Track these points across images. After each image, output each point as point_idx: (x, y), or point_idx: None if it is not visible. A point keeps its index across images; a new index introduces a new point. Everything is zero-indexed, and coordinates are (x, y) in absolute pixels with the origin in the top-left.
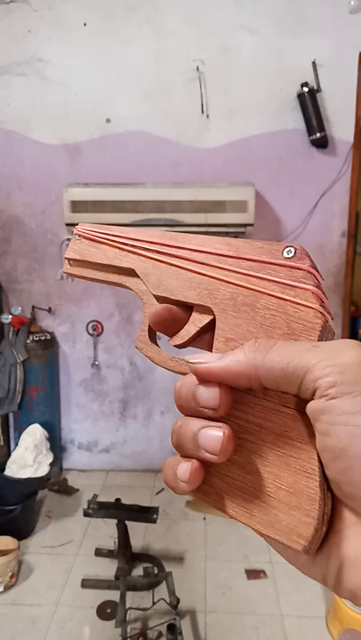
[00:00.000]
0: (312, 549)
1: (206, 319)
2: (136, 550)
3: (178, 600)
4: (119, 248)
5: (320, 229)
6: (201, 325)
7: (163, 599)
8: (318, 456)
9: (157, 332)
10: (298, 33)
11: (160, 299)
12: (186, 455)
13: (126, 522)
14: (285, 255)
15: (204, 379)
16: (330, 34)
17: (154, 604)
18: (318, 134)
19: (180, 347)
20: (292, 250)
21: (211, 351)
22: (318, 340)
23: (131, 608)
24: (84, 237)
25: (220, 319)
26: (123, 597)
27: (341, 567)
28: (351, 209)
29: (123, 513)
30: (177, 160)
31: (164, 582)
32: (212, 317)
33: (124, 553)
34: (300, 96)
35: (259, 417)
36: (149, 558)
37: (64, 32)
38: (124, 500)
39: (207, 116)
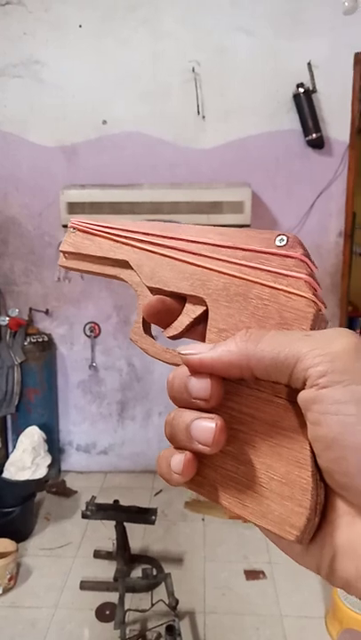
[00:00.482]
0: (305, 539)
1: (199, 310)
2: (135, 552)
3: (177, 601)
4: (113, 240)
5: (317, 229)
6: (194, 316)
7: (162, 600)
8: (310, 446)
9: (152, 325)
10: (294, 34)
11: (154, 290)
12: (179, 447)
13: (125, 523)
14: (278, 243)
15: (196, 370)
16: (325, 35)
17: (153, 605)
18: (314, 135)
19: (174, 338)
20: (285, 238)
21: (204, 342)
22: (311, 329)
23: (130, 610)
24: (79, 230)
25: (213, 310)
26: (121, 599)
27: (335, 557)
28: (348, 209)
29: (121, 514)
30: (174, 161)
31: (163, 583)
32: (205, 308)
33: (123, 554)
34: (296, 97)
35: (251, 407)
36: (148, 560)
37: (60, 34)
38: (123, 502)
39: (203, 117)
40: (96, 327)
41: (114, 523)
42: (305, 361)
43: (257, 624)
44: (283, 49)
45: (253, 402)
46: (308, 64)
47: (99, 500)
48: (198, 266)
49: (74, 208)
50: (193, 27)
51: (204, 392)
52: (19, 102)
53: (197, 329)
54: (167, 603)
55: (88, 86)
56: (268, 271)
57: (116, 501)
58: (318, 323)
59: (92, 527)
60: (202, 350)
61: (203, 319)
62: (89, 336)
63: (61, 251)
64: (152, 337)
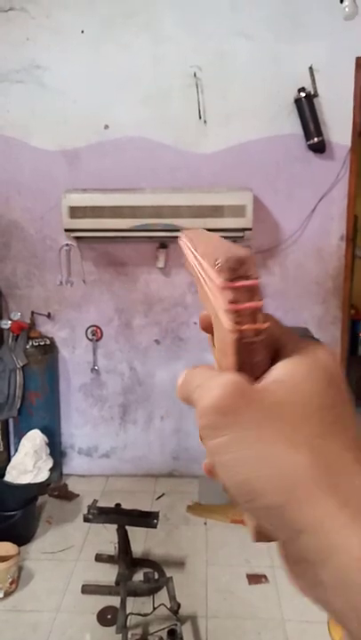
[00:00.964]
0: (260, 541)
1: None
2: (137, 555)
3: (178, 605)
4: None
5: (319, 233)
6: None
7: (163, 604)
8: None
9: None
10: (294, 38)
11: None
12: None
13: (126, 527)
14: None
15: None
16: (326, 39)
17: (154, 609)
18: (316, 139)
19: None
20: (218, 262)
21: None
22: (235, 357)
23: (131, 614)
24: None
25: (215, 329)
26: (123, 603)
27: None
28: (349, 212)
29: (123, 518)
30: (175, 165)
31: (165, 587)
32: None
33: (125, 558)
34: (298, 101)
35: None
36: (150, 563)
37: (62, 39)
38: (125, 506)
39: (205, 122)
40: (98, 330)
41: (115, 526)
42: (196, 413)
43: (259, 628)
44: (284, 53)
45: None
46: (310, 68)
47: (100, 504)
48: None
49: (75, 212)
50: (193, 31)
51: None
52: (21, 107)
53: None
54: (169, 607)
55: (90, 91)
56: (214, 294)
57: (117, 505)
58: (248, 347)
59: (93, 531)
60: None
61: None
62: (91, 339)
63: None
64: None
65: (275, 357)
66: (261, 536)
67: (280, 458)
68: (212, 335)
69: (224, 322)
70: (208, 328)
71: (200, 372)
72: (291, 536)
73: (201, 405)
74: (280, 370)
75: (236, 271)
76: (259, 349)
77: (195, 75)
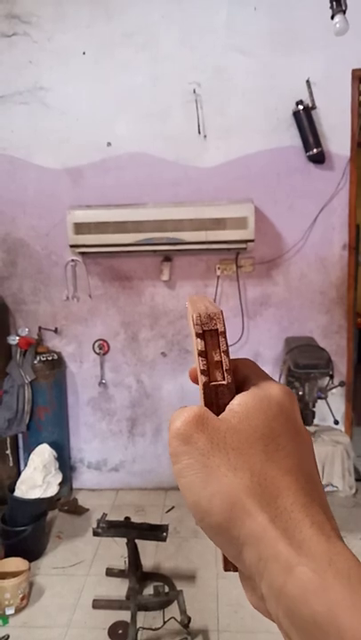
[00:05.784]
0: (228, 570)
1: None
2: (147, 569)
3: (189, 619)
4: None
5: (321, 243)
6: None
7: (174, 618)
8: None
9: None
10: (291, 52)
11: None
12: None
13: (136, 541)
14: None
15: None
16: (322, 52)
17: (164, 623)
18: (315, 150)
19: None
20: (195, 316)
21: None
22: (205, 401)
23: (142, 628)
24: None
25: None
26: (134, 617)
27: (244, 586)
28: (351, 222)
29: (132, 532)
30: (177, 180)
31: (176, 601)
32: None
33: (135, 572)
34: (296, 113)
35: None
36: (160, 577)
37: (64, 61)
38: (135, 519)
39: (205, 137)
40: (105, 344)
41: (125, 540)
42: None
43: None
44: (281, 67)
45: None
46: (307, 81)
47: (110, 518)
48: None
49: (80, 228)
50: (191, 49)
51: None
52: (25, 127)
53: None
54: (179, 620)
55: (91, 110)
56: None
57: (127, 518)
58: (215, 391)
59: (104, 545)
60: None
61: None
62: (98, 353)
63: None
64: None
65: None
66: (229, 565)
67: (221, 481)
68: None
69: (196, 366)
70: (196, 380)
71: (175, 412)
72: (237, 552)
73: (169, 435)
74: (237, 400)
75: (205, 325)
76: (225, 392)
77: (194, 91)
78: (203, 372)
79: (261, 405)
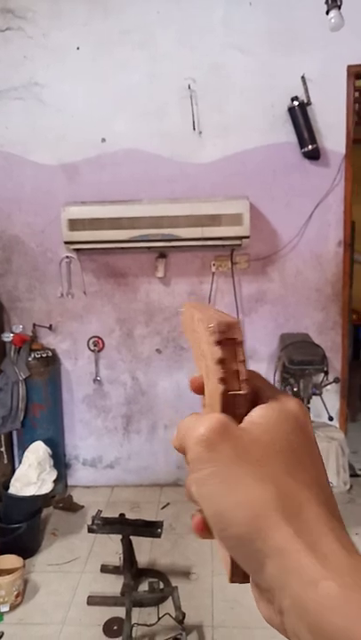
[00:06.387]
0: (236, 582)
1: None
2: (142, 566)
3: (183, 615)
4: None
5: (316, 239)
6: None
7: (168, 614)
8: None
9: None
10: (286, 49)
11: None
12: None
13: (131, 537)
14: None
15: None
16: (318, 49)
17: (159, 619)
18: (310, 146)
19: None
20: (210, 326)
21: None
22: (222, 410)
23: (137, 624)
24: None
25: (206, 386)
26: (128, 614)
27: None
28: (346, 218)
29: (127, 528)
30: (172, 176)
31: (171, 597)
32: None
33: (130, 569)
34: (291, 110)
35: None
36: (155, 573)
37: (59, 57)
38: (130, 516)
39: (200, 133)
40: (100, 341)
41: (120, 537)
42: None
43: (266, 638)
44: (276, 64)
45: None
46: (302, 77)
47: (106, 515)
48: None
49: (75, 225)
50: (188, 46)
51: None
52: (20, 124)
53: None
54: (174, 616)
55: (87, 106)
56: (209, 355)
57: (122, 515)
58: (233, 400)
59: (99, 542)
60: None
61: None
62: (93, 350)
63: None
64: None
65: (254, 405)
66: (236, 576)
67: (247, 491)
68: (203, 396)
69: (214, 374)
70: (199, 389)
71: (190, 418)
72: (258, 564)
73: (190, 441)
74: (257, 412)
75: (224, 333)
76: (242, 402)
77: (189, 87)
78: (221, 380)
79: (280, 419)
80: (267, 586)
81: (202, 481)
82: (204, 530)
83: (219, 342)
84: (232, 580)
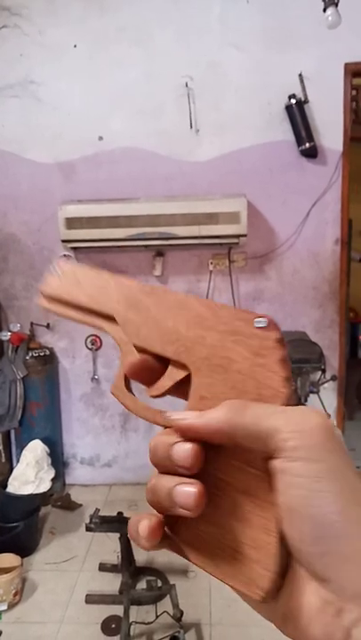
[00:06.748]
0: (269, 599)
1: (181, 374)
2: (140, 564)
3: (181, 613)
4: (101, 290)
5: (313, 237)
6: (176, 380)
7: (166, 612)
8: (278, 515)
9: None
10: (283, 47)
11: (138, 348)
12: (161, 511)
13: (129, 535)
14: (256, 325)
15: (184, 433)
16: (315, 46)
17: (157, 617)
18: (308, 144)
19: (156, 397)
20: (263, 320)
21: (184, 399)
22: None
23: (135, 622)
24: (64, 274)
25: (196, 377)
26: (126, 612)
27: (286, 615)
28: (343, 216)
29: (125, 526)
30: (169, 174)
31: (168, 595)
32: (187, 373)
33: (128, 567)
34: (288, 108)
35: (227, 475)
36: (154, 572)
37: (55, 54)
38: (128, 514)
39: (197, 131)
40: (97, 340)
41: (118, 535)
42: (282, 434)
43: (263, 635)
44: (274, 62)
45: (229, 470)
46: (300, 75)
47: (104, 513)
48: (183, 332)
49: (72, 223)
50: (184, 43)
51: (186, 461)
52: (16, 121)
53: (179, 388)
54: (172, 614)
55: (83, 104)
56: (249, 349)
57: (119, 513)
58: (290, 401)
59: (97, 540)
60: (189, 417)
61: (184, 381)
62: (90, 349)
63: (42, 292)
64: (132, 392)
65: None
66: (270, 593)
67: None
68: (146, 385)
69: (281, 375)
70: (139, 373)
71: (302, 407)
72: (334, 569)
73: (307, 425)
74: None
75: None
76: (293, 398)
77: (186, 85)
78: (287, 379)
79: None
80: (338, 595)
81: (315, 473)
82: (159, 535)
83: (280, 341)
84: (263, 600)
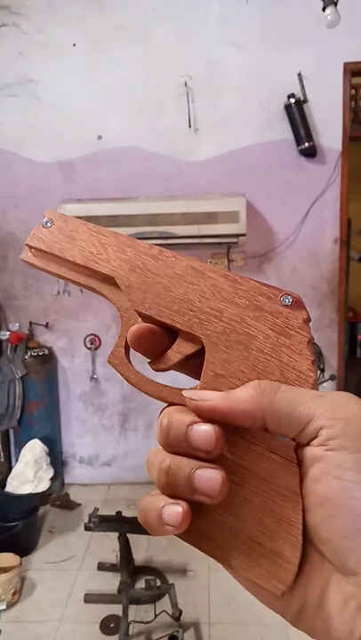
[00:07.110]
0: (288, 593)
1: (192, 348)
2: (139, 563)
3: (180, 612)
4: (99, 247)
5: (312, 237)
6: (186, 354)
7: (165, 611)
8: (302, 504)
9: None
10: (283, 46)
11: (143, 316)
12: (175, 496)
13: (128, 535)
14: (283, 302)
15: (207, 416)
16: (314, 46)
17: (156, 616)
18: (307, 144)
19: (160, 371)
20: (290, 298)
21: (187, 374)
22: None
23: (133, 621)
24: (56, 225)
25: (211, 352)
26: (125, 611)
27: (303, 608)
28: (342, 216)
29: (124, 526)
30: (169, 174)
31: (167, 594)
32: (198, 347)
33: (127, 566)
34: (288, 107)
35: (246, 460)
36: (152, 571)
37: (54, 53)
38: (127, 514)
39: (196, 130)
40: (96, 339)
41: (117, 534)
42: (319, 421)
43: (262, 634)
44: (273, 61)
45: (249, 455)
46: (299, 75)
47: (103, 512)
48: (197, 303)
49: None
50: (183, 42)
51: (207, 444)
52: (15, 120)
53: (185, 363)
54: (171, 614)
55: (83, 103)
56: (273, 326)
57: (118, 513)
58: (315, 387)
59: (96, 540)
60: (213, 397)
61: (193, 355)
62: (89, 348)
63: (28, 245)
64: (132, 364)
65: None
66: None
67: None
68: (145, 354)
69: (309, 358)
70: (143, 343)
71: (297, 390)
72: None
73: (348, 413)
74: None
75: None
76: (317, 384)
77: (185, 84)
78: (313, 362)
79: None
80: None
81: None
82: (189, 523)
83: (308, 322)
84: (283, 594)
